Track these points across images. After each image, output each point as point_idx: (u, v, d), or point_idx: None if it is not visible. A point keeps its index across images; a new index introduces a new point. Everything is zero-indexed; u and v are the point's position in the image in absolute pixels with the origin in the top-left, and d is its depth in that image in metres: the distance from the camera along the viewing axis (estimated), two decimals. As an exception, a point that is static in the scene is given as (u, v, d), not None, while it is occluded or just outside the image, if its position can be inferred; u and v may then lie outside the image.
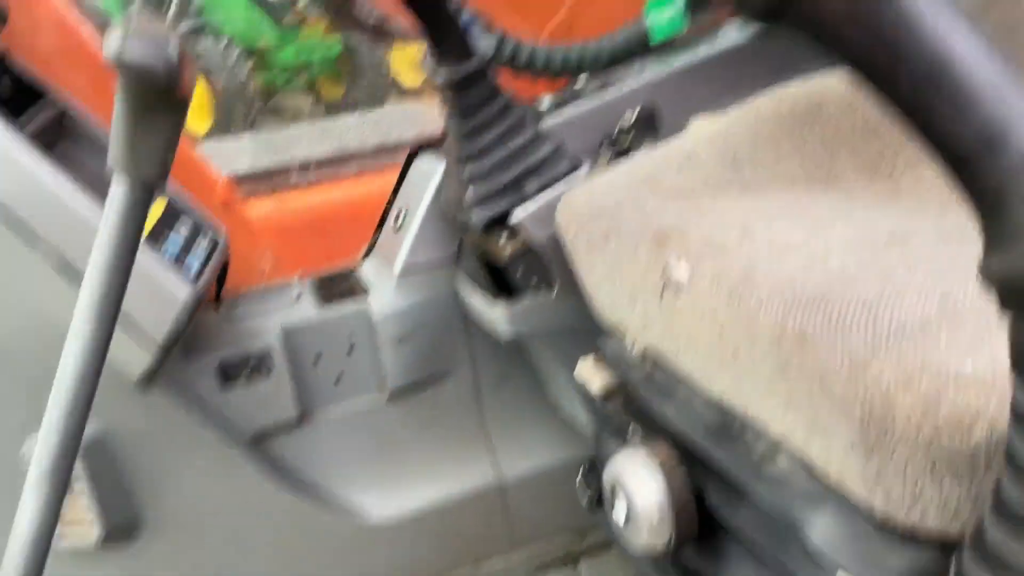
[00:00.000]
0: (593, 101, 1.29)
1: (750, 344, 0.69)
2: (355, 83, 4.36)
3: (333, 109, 4.21)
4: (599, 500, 1.13)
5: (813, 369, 0.63)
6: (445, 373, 1.31)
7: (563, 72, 1.44)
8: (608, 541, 1.41)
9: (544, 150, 1.12)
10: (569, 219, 0.97)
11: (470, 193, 1.09)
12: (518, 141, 1.10)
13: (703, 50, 1.35)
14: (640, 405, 0.93)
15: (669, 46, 1.44)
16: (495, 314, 1.15)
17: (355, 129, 3.53)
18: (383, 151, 3.01)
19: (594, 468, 1.13)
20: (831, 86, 1.13)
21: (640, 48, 1.44)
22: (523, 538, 1.40)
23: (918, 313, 0.63)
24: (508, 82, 1.19)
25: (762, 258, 0.75)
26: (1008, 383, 0.45)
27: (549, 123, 1.28)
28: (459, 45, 1.04)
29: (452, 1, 1.02)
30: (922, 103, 0.40)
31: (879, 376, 0.59)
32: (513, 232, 1.11)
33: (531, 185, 1.11)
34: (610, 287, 0.89)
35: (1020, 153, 0.38)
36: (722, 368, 0.73)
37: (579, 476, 1.16)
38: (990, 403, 0.54)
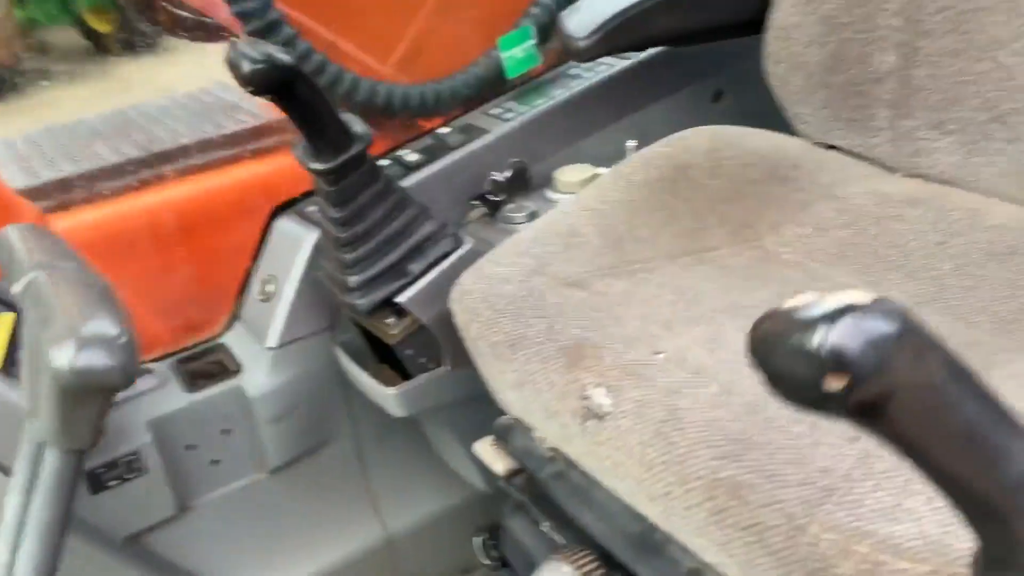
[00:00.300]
0: (459, 153, 1.28)
1: (682, 487, 0.71)
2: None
3: (105, 48, 3.79)
4: (503, 562, 1.15)
5: (750, 521, 0.67)
6: (326, 440, 1.28)
7: (422, 112, 1.41)
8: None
9: (425, 229, 1.09)
10: (468, 318, 0.96)
11: (353, 280, 1.06)
12: (399, 223, 1.07)
13: (558, 93, 1.36)
14: (549, 499, 0.94)
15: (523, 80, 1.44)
16: (386, 396, 1.13)
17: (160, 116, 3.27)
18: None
19: (495, 534, 1.15)
20: (694, 145, 1.16)
21: (497, 83, 1.43)
22: (412, 584, 1.41)
23: (841, 463, 0.67)
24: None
25: (681, 386, 0.77)
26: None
27: (417, 178, 1.25)
28: (337, 135, 0.99)
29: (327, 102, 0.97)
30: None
31: (817, 541, 0.63)
32: (401, 313, 1.09)
33: (415, 266, 1.08)
34: (522, 398, 0.90)
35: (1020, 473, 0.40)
36: (652, 501, 0.76)
37: (480, 540, 1.17)
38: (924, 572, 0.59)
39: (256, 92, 0.88)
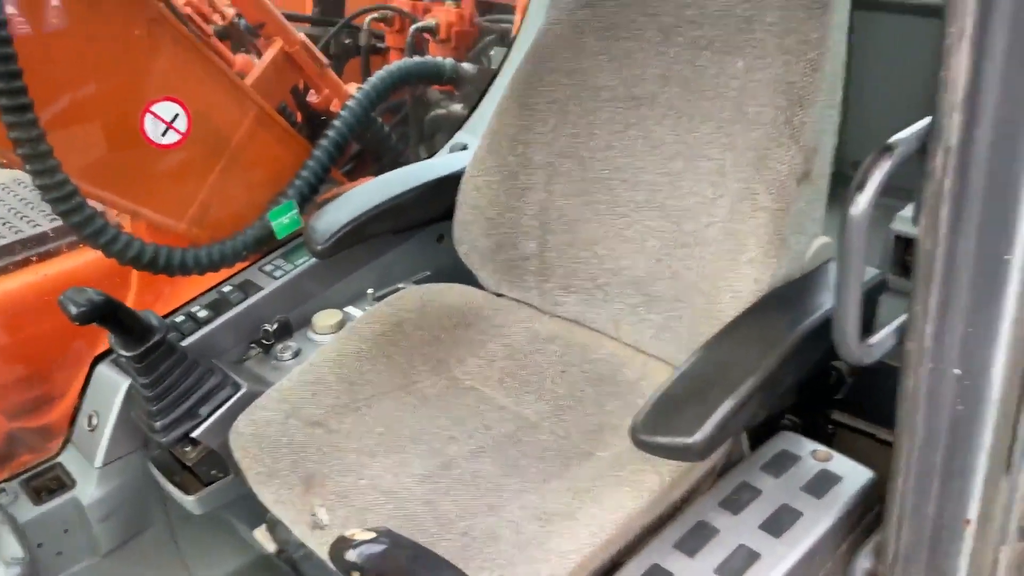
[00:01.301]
0: (239, 308, 1.70)
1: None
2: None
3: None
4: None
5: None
6: (147, 526, 1.68)
7: (209, 268, 1.81)
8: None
9: (211, 382, 1.52)
10: (240, 454, 1.39)
11: (158, 424, 1.47)
12: (190, 380, 1.49)
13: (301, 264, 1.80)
14: (303, 571, 1.40)
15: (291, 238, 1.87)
16: (186, 500, 1.55)
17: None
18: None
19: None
20: (407, 303, 1.64)
21: (268, 242, 1.86)
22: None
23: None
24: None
25: (371, 505, 1.24)
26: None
27: (207, 330, 1.67)
28: (141, 330, 1.40)
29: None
30: None
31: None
32: (195, 443, 1.51)
33: (204, 409, 1.51)
34: (278, 510, 1.34)
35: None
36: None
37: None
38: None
39: (82, 323, 1.29)
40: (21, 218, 2.47)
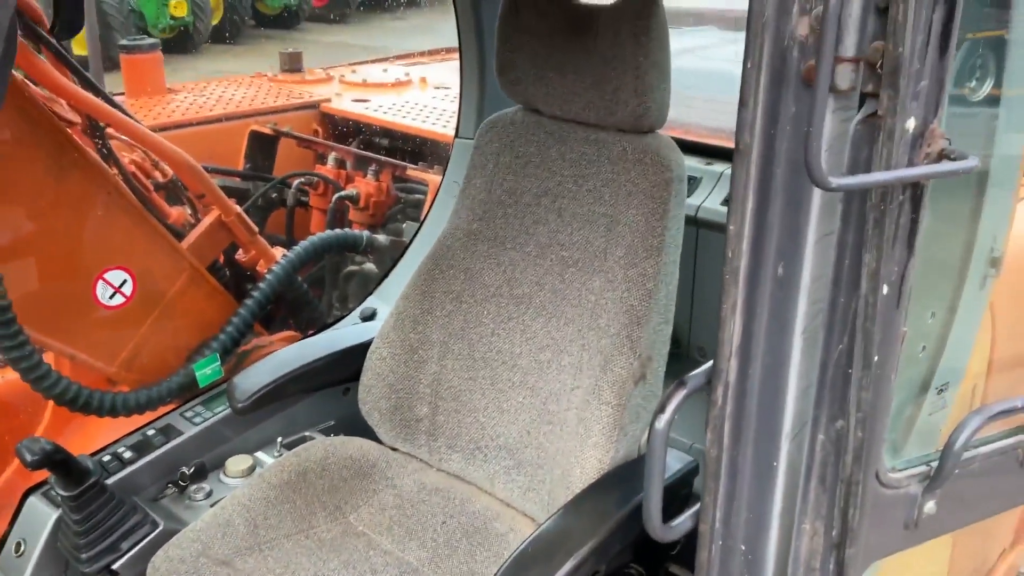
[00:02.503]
0: (160, 451, 1.89)
1: None
2: None
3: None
4: None
5: None
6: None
7: (135, 411, 2.00)
8: None
9: (134, 519, 1.70)
10: (156, 588, 1.57)
11: (84, 556, 1.64)
12: (116, 516, 1.67)
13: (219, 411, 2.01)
14: None
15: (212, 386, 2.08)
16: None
17: None
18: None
19: None
20: (313, 454, 1.85)
21: (191, 389, 2.06)
22: None
23: None
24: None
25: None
26: None
27: (130, 469, 1.85)
28: (79, 473, 1.59)
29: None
30: None
31: None
32: (115, 574, 1.68)
33: (126, 543, 1.68)
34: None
35: None
36: None
37: None
38: None
39: (34, 469, 1.47)
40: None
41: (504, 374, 1.74)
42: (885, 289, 1.08)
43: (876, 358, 1.11)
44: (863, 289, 1.08)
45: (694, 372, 1.21)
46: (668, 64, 1.55)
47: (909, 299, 1.11)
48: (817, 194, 1.04)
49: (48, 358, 2.01)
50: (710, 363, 1.19)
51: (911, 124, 1.01)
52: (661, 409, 1.17)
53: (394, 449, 1.92)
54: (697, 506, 1.29)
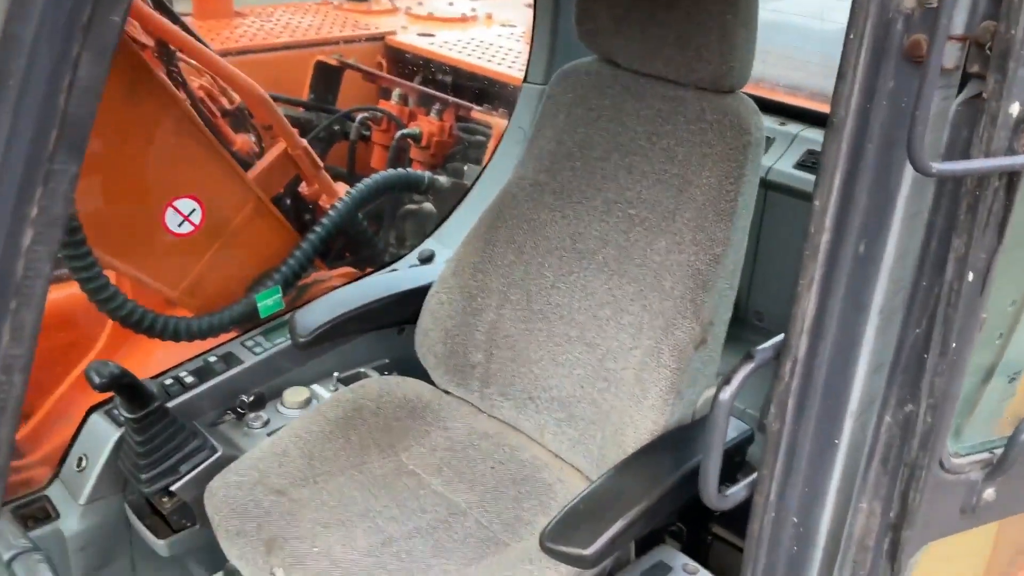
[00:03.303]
0: (221, 378, 1.93)
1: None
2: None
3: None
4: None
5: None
6: (113, 558, 1.88)
7: (197, 336, 2.04)
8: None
9: (193, 443, 1.74)
10: (212, 511, 1.61)
11: (144, 476, 1.69)
12: (176, 440, 1.72)
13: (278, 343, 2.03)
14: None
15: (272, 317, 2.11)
16: (156, 543, 1.76)
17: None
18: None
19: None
20: (368, 392, 1.88)
21: (251, 319, 2.09)
22: None
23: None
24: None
25: (322, 572, 1.47)
26: None
27: (191, 394, 1.89)
28: (144, 397, 1.63)
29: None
30: None
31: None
32: (172, 495, 1.73)
33: (184, 467, 1.73)
34: (243, 565, 1.56)
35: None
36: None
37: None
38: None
39: (102, 391, 1.51)
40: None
41: (561, 328, 1.73)
42: (970, 276, 1.05)
43: (954, 345, 1.09)
44: (948, 274, 1.05)
45: (763, 346, 1.19)
46: (755, 23, 1.50)
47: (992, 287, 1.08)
48: (909, 174, 1.01)
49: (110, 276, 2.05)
50: (779, 337, 1.18)
51: (1015, 109, 0.96)
52: (727, 381, 1.16)
53: (447, 392, 1.93)
54: (753, 476, 1.28)
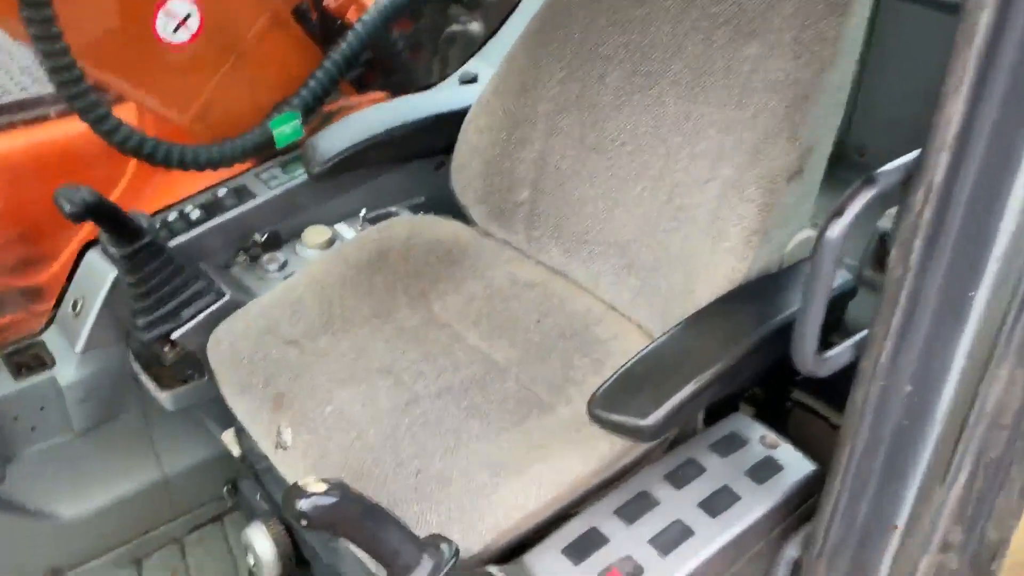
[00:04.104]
0: (232, 213, 1.72)
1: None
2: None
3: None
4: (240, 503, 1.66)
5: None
6: (121, 412, 1.73)
7: (207, 166, 1.81)
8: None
9: (196, 287, 1.55)
10: (216, 361, 1.43)
11: (140, 321, 1.50)
12: (176, 283, 1.52)
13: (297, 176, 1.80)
14: (261, 481, 1.46)
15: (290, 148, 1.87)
16: (160, 395, 1.59)
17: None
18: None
19: (236, 488, 1.65)
20: (396, 233, 1.65)
21: (268, 149, 1.86)
22: (182, 510, 1.90)
23: (406, 494, 1.20)
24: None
25: (332, 434, 1.29)
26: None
27: (198, 231, 1.69)
28: (130, 230, 1.42)
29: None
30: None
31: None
32: (173, 344, 1.55)
33: (187, 312, 1.54)
34: (246, 422, 1.38)
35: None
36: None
37: (226, 489, 1.68)
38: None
39: (75, 221, 1.30)
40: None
41: (622, 159, 1.46)
42: None
43: None
44: None
45: (887, 167, 0.93)
46: None
47: None
48: None
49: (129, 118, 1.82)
50: (911, 156, 0.91)
51: None
52: (838, 212, 0.90)
53: (487, 235, 1.70)
54: (859, 336, 1.04)
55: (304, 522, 0.86)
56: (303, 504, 0.85)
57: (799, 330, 0.98)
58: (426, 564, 0.94)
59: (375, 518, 0.91)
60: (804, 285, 0.95)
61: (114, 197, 2.09)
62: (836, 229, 0.91)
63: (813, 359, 1.00)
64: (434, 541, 0.98)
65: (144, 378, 1.63)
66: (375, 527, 0.91)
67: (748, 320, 1.20)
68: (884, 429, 1.06)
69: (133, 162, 2.08)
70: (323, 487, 0.87)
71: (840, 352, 1.04)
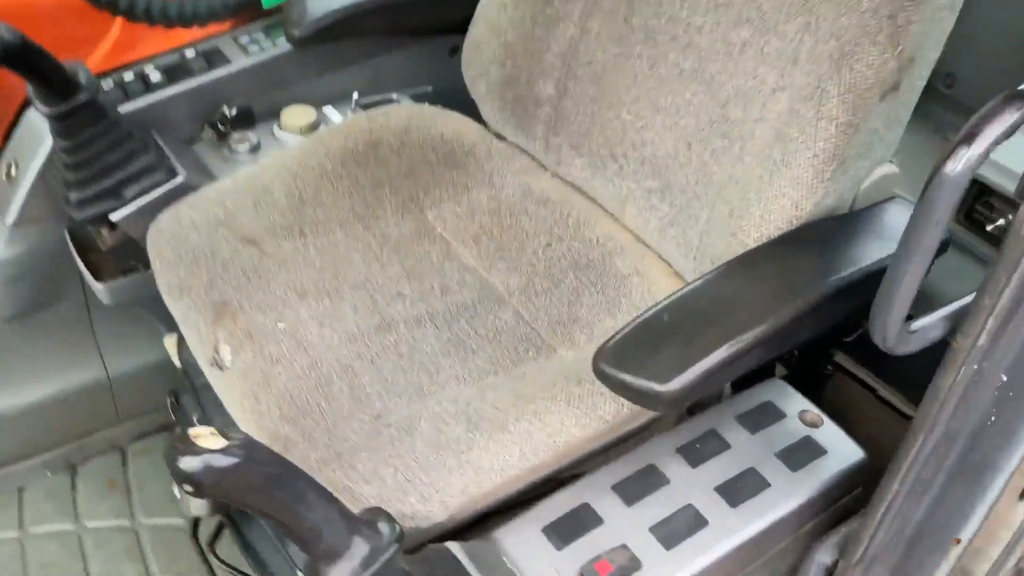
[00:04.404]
0: (198, 80, 1.46)
1: (257, 433, 1.02)
2: None
3: None
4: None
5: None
6: (58, 299, 1.51)
7: (180, 23, 1.55)
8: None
9: (143, 161, 1.30)
10: (155, 255, 1.20)
11: (73, 196, 1.27)
12: (118, 153, 1.27)
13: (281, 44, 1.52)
14: (199, 393, 1.24)
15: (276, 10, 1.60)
16: (97, 288, 1.37)
17: None
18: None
19: (177, 395, 1.44)
20: (391, 122, 1.40)
21: (251, 9, 1.58)
22: (128, 415, 1.70)
23: (358, 438, 0.99)
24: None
25: (280, 357, 1.06)
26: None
27: (157, 97, 1.44)
28: (63, 85, 1.17)
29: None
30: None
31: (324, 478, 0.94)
32: (113, 226, 1.31)
33: (130, 191, 1.30)
34: (184, 329, 1.16)
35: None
36: (260, 431, 1.05)
37: (168, 399, 1.46)
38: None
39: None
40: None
41: (671, 54, 1.20)
42: None
43: None
44: None
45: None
46: None
47: None
48: None
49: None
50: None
51: None
52: (968, 138, 0.65)
53: (500, 137, 1.44)
54: (954, 305, 0.81)
55: (189, 488, 0.63)
56: (189, 464, 0.63)
57: (886, 293, 0.74)
58: (358, 550, 0.72)
59: (290, 489, 0.69)
60: (903, 238, 0.70)
61: (103, 51, 1.83)
62: (962, 162, 0.66)
63: (898, 333, 0.76)
64: (371, 518, 0.76)
65: (79, 265, 1.40)
66: (290, 500, 0.68)
67: (809, 270, 0.95)
68: (965, 422, 0.85)
69: (118, 23, 1.82)
70: (221, 443, 0.64)
71: (931, 325, 0.80)
